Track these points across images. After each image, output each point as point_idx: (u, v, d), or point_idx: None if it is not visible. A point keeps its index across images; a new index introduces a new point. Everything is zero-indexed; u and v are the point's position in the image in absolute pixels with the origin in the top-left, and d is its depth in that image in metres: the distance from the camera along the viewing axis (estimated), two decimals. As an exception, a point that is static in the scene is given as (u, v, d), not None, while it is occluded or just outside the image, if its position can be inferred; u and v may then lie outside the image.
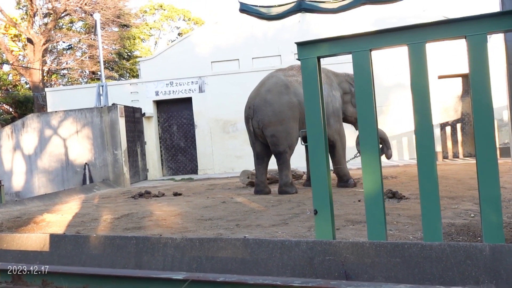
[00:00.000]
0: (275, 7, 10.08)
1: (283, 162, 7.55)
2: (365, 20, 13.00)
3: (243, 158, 13.41)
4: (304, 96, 3.67)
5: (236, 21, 13.62)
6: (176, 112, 13.94)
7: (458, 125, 13.26)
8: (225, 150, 13.53)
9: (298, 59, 3.65)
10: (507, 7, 4.32)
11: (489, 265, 2.94)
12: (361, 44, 3.51)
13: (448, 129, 13.24)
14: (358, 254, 3.22)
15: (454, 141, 13.27)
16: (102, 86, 12.38)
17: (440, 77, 12.79)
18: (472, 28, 3.25)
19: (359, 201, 6.31)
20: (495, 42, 14.75)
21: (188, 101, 13.66)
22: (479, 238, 3.97)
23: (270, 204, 6.48)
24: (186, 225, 5.09)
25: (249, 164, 13.26)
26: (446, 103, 13.18)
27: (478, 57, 3.22)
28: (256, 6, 9.84)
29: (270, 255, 3.45)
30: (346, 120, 8.56)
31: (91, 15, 16.57)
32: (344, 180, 8.05)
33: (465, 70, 12.42)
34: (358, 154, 8.73)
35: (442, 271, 3.02)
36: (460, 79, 13.08)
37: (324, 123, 3.69)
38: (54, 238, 4.19)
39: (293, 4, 9.86)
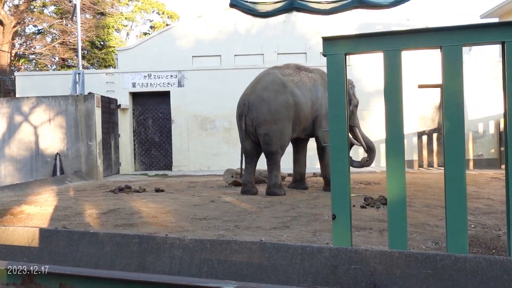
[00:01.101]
0: (266, 4, 9.87)
1: (273, 162, 7.35)
2: (350, 25, 12.97)
3: (220, 157, 13.15)
4: (328, 94, 3.47)
5: (220, 16, 13.36)
6: (152, 106, 13.52)
7: (434, 135, 13.41)
8: (202, 147, 13.23)
9: (324, 55, 3.44)
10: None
11: (527, 281, 2.82)
12: (393, 43, 3.34)
13: (424, 138, 13.37)
14: (387, 264, 3.04)
15: (430, 150, 13.41)
16: (79, 73, 11.86)
17: (420, 86, 12.88)
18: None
19: (353, 206, 6.18)
20: (476, 56, 14.98)
21: (166, 94, 13.27)
22: (493, 251, 3.88)
23: (261, 205, 6.26)
24: (181, 224, 4.81)
25: (226, 162, 13.01)
26: (424, 112, 13.30)
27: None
28: (247, 1, 9.59)
29: (290, 261, 3.23)
30: None
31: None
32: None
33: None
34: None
35: (478, 285, 2.88)
36: (438, 89, 13.21)
37: (347, 123, 3.50)
38: (44, 232, 3.83)
39: (284, 3, 9.67)
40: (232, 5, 9.64)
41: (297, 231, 4.51)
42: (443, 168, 11.34)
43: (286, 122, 7.39)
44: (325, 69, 8.65)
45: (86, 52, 21.22)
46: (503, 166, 12.54)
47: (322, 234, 4.43)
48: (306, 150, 8.69)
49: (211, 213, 5.54)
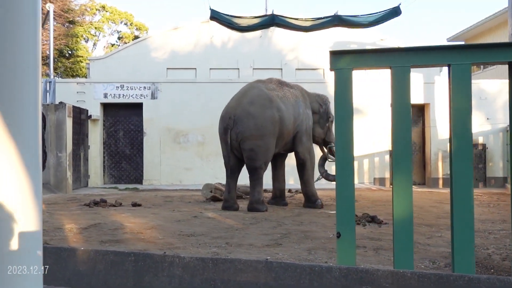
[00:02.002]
0: (246, 18, 9.86)
1: (256, 178, 7.24)
2: (325, 42, 13.08)
3: (192, 171, 12.92)
4: (335, 108, 3.39)
5: (196, 29, 13.23)
6: (124, 117, 13.19)
7: (406, 153, 13.59)
8: (174, 161, 12.96)
9: (332, 69, 3.38)
10: (520, 39, 4.32)
11: (541, 302, 2.80)
12: (402, 60, 3.31)
13: (396, 156, 13.52)
14: (399, 285, 2.96)
15: (401, 168, 13.57)
16: (50, 82, 11.44)
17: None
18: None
19: (340, 223, 6.11)
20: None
21: (138, 106, 12.98)
22: (492, 270, 3.87)
23: (247, 221, 6.12)
24: (170, 241, 4.62)
25: (199, 177, 12.79)
26: (396, 130, 13.48)
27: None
28: (228, 15, 9.56)
29: (298, 281, 3.11)
30: (313, 140, 8.41)
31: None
32: (312, 201, 7.86)
33: (416, 100, 12.82)
34: (321, 176, 8.60)
35: (492, 307, 2.84)
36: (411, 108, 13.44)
37: (352, 140, 3.44)
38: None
39: (265, 18, 9.69)
40: (212, 18, 9.60)
41: (291, 249, 4.40)
42: (414, 187, 11.47)
43: (271, 137, 7.30)
44: (301, 86, 8.69)
45: (49, 60, 20.56)
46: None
47: (317, 252, 4.33)
48: (285, 166, 8.63)
49: (197, 229, 5.36)
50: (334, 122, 8.61)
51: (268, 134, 7.24)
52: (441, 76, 13.77)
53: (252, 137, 7.17)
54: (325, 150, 8.75)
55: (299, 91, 8.24)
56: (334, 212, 7.29)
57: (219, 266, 3.24)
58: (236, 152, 7.39)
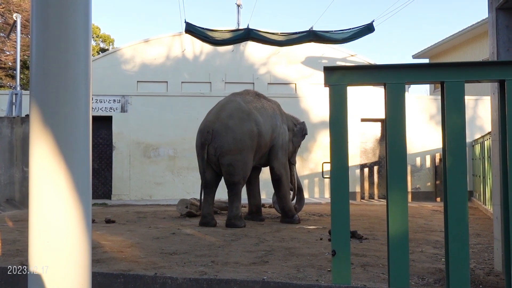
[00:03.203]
0: (222, 31, 9.82)
1: (235, 193, 7.13)
2: (297, 57, 13.20)
3: (163, 186, 12.68)
4: (330, 124, 3.36)
5: (168, 42, 13.10)
6: (92, 131, 12.77)
7: (375, 167, 13.78)
8: (144, 175, 12.69)
9: (326, 85, 3.35)
10: (502, 57, 4.42)
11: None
12: (396, 76, 3.31)
13: (366, 170, 13.70)
14: (400, 304, 2.93)
15: (371, 183, 13.74)
16: (16, 94, 11.04)
17: (362, 120, 13.26)
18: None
19: (321, 239, 6.09)
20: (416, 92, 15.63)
21: (107, 120, 12.68)
22: (480, 286, 3.89)
23: (227, 238, 6.01)
24: (153, 260, 4.46)
25: (170, 192, 12.57)
26: (366, 145, 13.67)
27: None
28: (203, 28, 9.49)
29: (297, 301, 3.04)
30: None
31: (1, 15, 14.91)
32: (289, 216, 7.80)
33: (384, 115, 13.02)
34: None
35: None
36: (379, 123, 13.66)
37: (347, 155, 3.40)
38: (7, 271, 3.38)
39: (240, 32, 9.68)
40: (187, 31, 9.51)
41: (279, 267, 4.32)
42: (383, 200, 11.67)
43: (250, 152, 7.23)
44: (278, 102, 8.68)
45: (16, 72, 19.91)
46: (438, 199, 13.11)
47: (306, 269, 4.26)
48: (259, 180, 8.56)
49: (179, 247, 5.21)
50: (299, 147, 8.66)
51: (246, 148, 7.17)
52: (409, 93, 14.09)
53: (230, 151, 7.08)
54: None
55: (276, 106, 8.23)
56: (313, 227, 7.31)
57: (214, 287, 3.13)
58: (215, 167, 7.27)
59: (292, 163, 8.40)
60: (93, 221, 7.39)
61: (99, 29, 31.49)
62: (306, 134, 8.55)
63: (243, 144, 7.13)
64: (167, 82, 12.99)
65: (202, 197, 7.36)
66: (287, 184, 7.98)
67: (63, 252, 1.41)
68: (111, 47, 31.18)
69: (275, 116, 7.87)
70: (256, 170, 8.30)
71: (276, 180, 7.91)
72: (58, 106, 1.35)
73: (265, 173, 8.72)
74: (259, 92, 8.40)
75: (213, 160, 7.18)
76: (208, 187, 7.33)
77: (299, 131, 8.39)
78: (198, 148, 7.39)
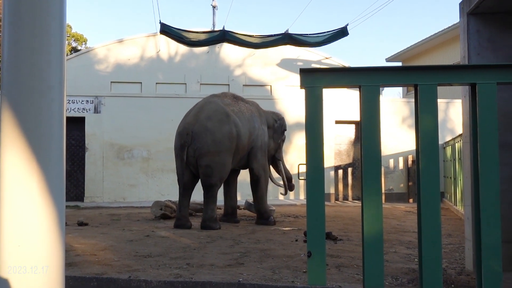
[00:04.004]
0: (197, 33, 9.78)
1: (211, 195, 7.10)
2: (272, 59, 13.23)
3: (136, 187, 12.54)
4: (306, 127, 3.36)
5: (142, 42, 12.97)
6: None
7: (349, 169, 13.92)
8: (117, 177, 12.52)
9: (302, 87, 3.36)
10: (473, 61, 4.53)
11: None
12: (371, 79, 3.34)
13: (340, 172, 13.82)
14: (375, 304, 2.96)
15: (345, 184, 13.87)
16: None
17: (336, 122, 13.38)
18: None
19: (297, 240, 6.11)
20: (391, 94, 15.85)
21: (80, 121, 12.47)
22: (452, 286, 3.96)
23: (202, 240, 5.98)
24: (127, 263, 4.40)
25: (144, 194, 12.44)
26: (340, 147, 13.80)
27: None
28: (178, 29, 9.43)
29: (273, 303, 3.04)
30: None
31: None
32: (264, 218, 7.82)
33: (357, 117, 13.16)
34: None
35: (466, 323, 2.88)
36: (353, 125, 13.81)
37: (323, 156, 3.41)
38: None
39: (216, 33, 9.66)
40: (162, 31, 9.45)
41: (254, 269, 4.32)
42: (357, 201, 11.83)
43: (228, 154, 7.22)
44: (256, 102, 8.72)
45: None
46: (411, 200, 13.32)
47: (281, 271, 4.27)
48: (237, 182, 8.56)
49: (153, 250, 5.16)
50: (284, 141, 8.79)
51: (225, 150, 7.16)
52: (382, 95, 14.29)
53: (209, 153, 7.06)
54: (271, 170, 8.80)
55: (254, 107, 8.25)
56: (288, 229, 7.33)
57: (189, 289, 3.11)
58: (193, 169, 7.24)
59: (278, 159, 8.50)
60: (65, 223, 7.26)
61: (71, 27, 30.95)
62: (285, 130, 8.61)
63: (222, 146, 7.12)
64: (141, 83, 12.85)
65: (179, 201, 7.32)
66: (265, 186, 8.02)
67: (35, 255, 1.38)
68: (83, 46, 30.70)
69: (253, 118, 7.89)
70: (235, 172, 8.30)
71: (255, 181, 7.94)
72: (31, 106, 1.32)
73: (240, 175, 8.72)
74: (236, 95, 8.43)
75: (192, 162, 7.16)
76: (185, 188, 7.30)
77: (279, 127, 8.45)
78: (177, 150, 7.34)
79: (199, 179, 7.36)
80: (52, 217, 1.37)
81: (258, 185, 7.86)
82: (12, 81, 1.32)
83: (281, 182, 8.75)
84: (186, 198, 7.29)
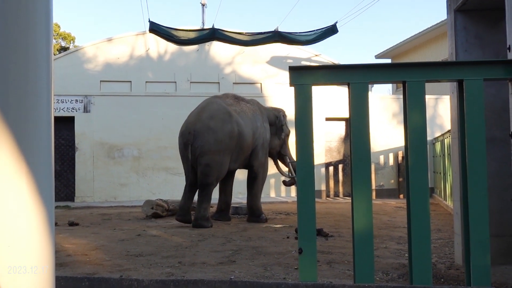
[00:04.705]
0: (187, 31, 9.75)
1: (206, 194, 7.14)
2: (262, 57, 13.24)
3: (127, 187, 12.50)
4: (296, 124, 3.39)
5: (131, 41, 12.90)
6: (54, 132, 12.42)
7: (340, 166, 13.98)
8: (108, 176, 12.47)
9: (292, 85, 3.38)
10: (460, 57, 4.57)
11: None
12: (360, 76, 3.37)
13: (331, 169, 13.87)
14: (366, 299, 2.98)
15: (336, 181, 13.92)
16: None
17: (327, 119, 13.42)
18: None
19: (288, 237, 6.13)
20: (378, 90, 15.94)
21: (69, 120, 12.39)
22: (442, 280, 4.00)
23: (194, 238, 5.98)
24: (118, 262, 4.40)
25: (135, 193, 12.39)
26: (331, 144, 13.85)
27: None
28: (167, 27, 9.40)
29: (264, 300, 3.05)
30: (269, 153, 8.51)
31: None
32: (256, 215, 7.84)
33: (348, 114, 13.20)
34: None
35: (455, 317, 2.92)
36: (344, 122, 13.85)
37: (313, 153, 3.43)
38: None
39: (206, 31, 9.64)
40: (151, 30, 9.41)
41: (246, 266, 4.33)
42: (348, 198, 11.91)
43: (227, 153, 7.33)
44: (256, 100, 8.75)
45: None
46: (401, 196, 13.40)
47: (273, 268, 4.29)
48: (233, 179, 8.58)
49: (144, 249, 5.15)
50: (289, 136, 8.87)
51: (224, 149, 7.25)
52: (372, 92, 14.36)
53: (210, 152, 7.15)
54: (279, 164, 8.88)
55: (255, 105, 8.34)
56: (280, 226, 7.36)
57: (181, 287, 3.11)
58: (195, 167, 7.35)
59: (285, 155, 8.55)
60: (55, 224, 7.21)
61: (59, 26, 30.70)
62: (282, 125, 8.62)
63: (223, 145, 7.22)
64: (131, 81, 12.79)
65: (184, 194, 7.44)
66: (261, 184, 8.11)
67: (25, 255, 1.38)
68: (72, 45, 30.45)
69: (255, 117, 8.00)
70: (234, 170, 8.32)
71: (252, 178, 8.03)
72: (18, 105, 1.31)
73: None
74: (238, 95, 8.54)
75: (193, 160, 7.25)
76: (191, 185, 7.42)
77: (280, 126, 8.51)
78: (181, 150, 7.45)
79: None
80: (41, 216, 1.37)
81: (254, 182, 7.95)
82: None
83: (286, 170, 8.80)
84: (191, 193, 7.44)
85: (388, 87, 22.43)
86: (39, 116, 1.36)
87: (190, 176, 7.37)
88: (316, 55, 13.62)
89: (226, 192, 8.27)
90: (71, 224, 7.23)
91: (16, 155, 1.33)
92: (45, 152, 1.40)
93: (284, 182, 8.76)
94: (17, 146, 1.32)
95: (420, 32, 16.34)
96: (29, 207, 1.37)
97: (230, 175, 8.20)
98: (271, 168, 12.76)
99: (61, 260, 4.44)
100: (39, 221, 1.40)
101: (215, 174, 7.21)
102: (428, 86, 3.51)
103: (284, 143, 8.62)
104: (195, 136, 7.18)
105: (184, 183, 7.55)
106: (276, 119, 8.39)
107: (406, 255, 5.09)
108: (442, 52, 15.49)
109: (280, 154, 8.66)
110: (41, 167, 1.38)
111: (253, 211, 7.88)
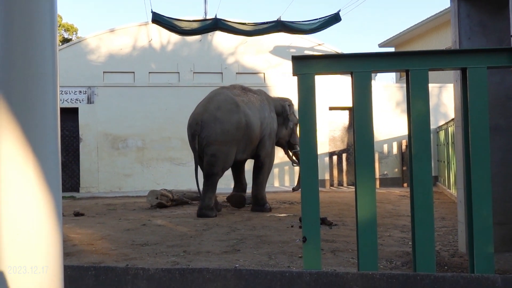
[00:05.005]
0: (190, 21, 9.73)
1: (211, 183, 7.20)
2: (265, 47, 13.20)
3: (132, 177, 12.55)
4: (299, 113, 3.40)
5: (134, 31, 12.88)
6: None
7: (344, 155, 13.97)
8: (112, 167, 12.52)
9: (295, 74, 3.38)
10: (463, 45, 4.55)
11: (502, 296, 2.94)
12: (363, 65, 3.36)
13: (334, 158, 13.87)
14: (369, 287, 3.01)
15: (340, 170, 13.93)
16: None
17: (330, 108, 13.41)
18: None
19: (292, 226, 6.17)
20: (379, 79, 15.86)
21: (73, 111, 12.43)
22: (445, 267, 4.03)
23: (199, 228, 6.02)
24: (124, 251, 4.44)
25: (139, 183, 12.44)
26: (334, 133, 13.84)
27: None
28: (170, 18, 9.38)
29: (269, 288, 3.08)
30: (278, 143, 8.53)
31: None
32: (260, 204, 7.88)
33: (351, 103, 13.17)
34: None
35: (458, 304, 2.94)
36: (347, 111, 13.83)
37: (316, 143, 3.44)
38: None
39: (208, 21, 9.61)
40: (154, 20, 9.39)
41: (251, 255, 4.37)
42: (352, 187, 11.97)
43: (234, 144, 7.38)
44: (264, 90, 8.78)
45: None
46: (405, 184, 13.41)
47: (277, 256, 4.32)
48: (244, 167, 8.68)
49: (150, 238, 5.20)
50: (298, 125, 8.99)
51: (231, 140, 7.30)
52: (375, 81, 14.30)
53: (216, 142, 7.20)
54: (290, 154, 8.92)
55: (263, 95, 8.38)
56: (284, 215, 7.39)
57: (186, 276, 3.15)
58: (202, 157, 7.43)
59: (294, 144, 8.61)
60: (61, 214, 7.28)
61: (61, 18, 30.65)
62: (288, 114, 8.62)
63: (230, 136, 7.26)
64: (134, 72, 12.79)
65: (200, 187, 7.47)
66: (267, 173, 8.17)
67: (33, 245, 1.40)
68: (74, 36, 30.44)
69: (263, 107, 8.04)
70: (244, 160, 8.41)
71: (259, 167, 8.09)
72: (25, 96, 1.33)
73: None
74: (245, 86, 8.59)
75: (200, 150, 7.32)
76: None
77: (287, 115, 8.53)
78: (189, 141, 7.52)
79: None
80: (49, 207, 1.40)
81: (260, 171, 8.02)
82: (5, 70, 1.33)
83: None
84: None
85: (392, 76, 22.35)
86: (45, 106, 1.38)
87: (201, 165, 7.48)
88: (320, 44, 13.57)
89: (240, 180, 8.44)
90: (77, 214, 7.29)
91: (23, 147, 1.35)
92: (52, 144, 1.42)
93: (293, 189, 8.97)
94: (25, 137, 1.34)
95: (423, 21, 16.23)
96: (37, 198, 1.39)
97: (240, 165, 8.29)
98: (275, 158, 12.85)
99: (67, 249, 4.49)
100: (48, 213, 1.42)
101: (221, 164, 7.26)
102: (432, 74, 3.50)
103: (293, 132, 8.63)
104: (202, 127, 7.23)
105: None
106: (283, 108, 8.40)
107: (410, 243, 5.11)
108: (445, 40, 15.40)
109: (290, 144, 8.71)
110: (48, 158, 1.40)
111: (258, 200, 7.92)
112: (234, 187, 8.59)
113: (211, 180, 7.22)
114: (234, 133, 7.31)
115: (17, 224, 1.38)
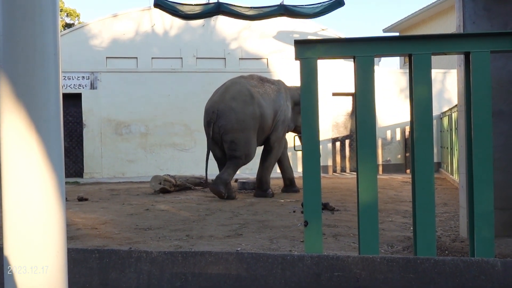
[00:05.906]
0: (192, 5, 9.66)
1: (233, 164, 7.53)
2: (268, 31, 13.14)
3: (135, 163, 12.59)
4: (301, 98, 3.41)
5: (137, 16, 12.83)
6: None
7: (347, 141, 13.97)
8: (116, 153, 12.57)
9: (297, 59, 3.37)
10: (468, 30, 4.52)
11: (501, 280, 2.95)
12: (365, 49, 3.35)
13: (337, 144, 13.87)
14: (370, 270, 3.02)
15: (343, 156, 13.94)
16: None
17: (334, 94, 13.37)
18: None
19: (294, 212, 6.20)
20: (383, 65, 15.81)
21: (77, 97, 12.44)
22: (446, 252, 4.05)
23: (202, 212, 6.06)
24: (127, 235, 4.48)
25: (142, 169, 12.49)
26: (337, 119, 13.82)
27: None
28: (172, 2, 9.32)
29: (270, 271, 3.10)
30: (295, 130, 8.70)
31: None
32: (263, 189, 7.93)
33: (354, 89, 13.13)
34: None
35: (458, 287, 2.96)
36: (351, 97, 13.79)
37: (318, 128, 3.44)
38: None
39: (211, 5, 9.54)
40: (156, 5, 9.32)
41: (253, 239, 4.40)
42: (355, 173, 11.93)
43: (252, 132, 7.61)
44: (282, 81, 8.84)
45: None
46: (408, 171, 13.41)
47: (279, 241, 4.35)
48: (287, 155, 8.94)
49: (153, 223, 5.24)
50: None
51: (248, 128, 7.55)
52: (379, 66, 14.23)
53: (233, 130, 7.48)
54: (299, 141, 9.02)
55: (281, 86, 8.58)
56: (286, 200, 7.42)
57: (188, 259, 3.17)
58: (220, 145, 7.72)
59: None
60: (65, 199, 7.33)
61: (63, 2, 30.51)
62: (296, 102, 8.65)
63: (245, 125, 7.52)
64: (137, 58, 12.76)
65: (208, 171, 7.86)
66: (274, 158, 8.29)
67: (38, 227, 1.42)
68: (76, 21, 30.31)
69: (278, 98, 8.23)
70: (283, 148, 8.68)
71: (267, 151, 8.26)
72: (28, 82, 1.34)
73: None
74: (263, 77, 8.75)
75: (218, 138, 7.61)
76: (220, 163, 7.84)
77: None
78: (204, 127, 7.82)
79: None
80: (53, 190, 1.42)
81: (268, 155, 8.18)
82: (7, 56, 1.34)
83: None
84: (222, 167, 7.78)
85: (396, 61, 22.22)
86: (48, 89, 1.38)
87: (216, 155, 7.83)
88: (323, 29, 13.49)
89: (285, 169, 8.70)
90: (81, 199, 7.34)
91: (26, 133, 1.36)
92: (55, 129, 1.43)
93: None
94: (28, 123, 1.35)
95: (428, 5, 16.09)
96: (41, 181, 1.40)
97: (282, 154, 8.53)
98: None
99: (71, 233, 4.53)
100: (51, 195, 1.44)
101: (242, 149, 7.55)
102: (436, 60, 3.50)
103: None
104: (218, 116, 7.53)
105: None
106: (299, 97, 8.44)
107: (411, 228, 5.13)
108: (450, 25, 15.27)
109: (299, 130, 8.82)
110: (51, 142, 1.41)
111: (262, 184, 7.97)
112: (282, 177, 8.88)
113: (233, 161, 7.55)
114: (250, 122, 7.57)
115: (20, 207, 1.40)
